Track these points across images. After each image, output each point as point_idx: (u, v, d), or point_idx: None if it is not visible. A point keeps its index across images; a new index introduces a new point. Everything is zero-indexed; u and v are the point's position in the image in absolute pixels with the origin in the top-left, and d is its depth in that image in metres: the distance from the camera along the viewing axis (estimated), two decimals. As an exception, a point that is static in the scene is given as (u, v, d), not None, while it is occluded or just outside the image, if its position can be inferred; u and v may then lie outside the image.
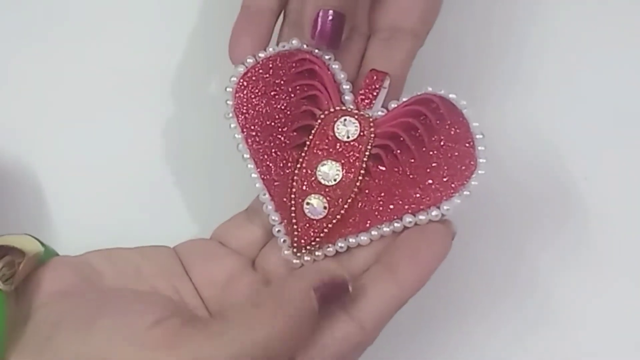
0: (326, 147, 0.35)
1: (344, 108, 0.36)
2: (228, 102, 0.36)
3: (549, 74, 0.46)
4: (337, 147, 0.35)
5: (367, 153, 0.35)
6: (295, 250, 0.35)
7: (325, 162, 0.35)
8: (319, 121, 0.35)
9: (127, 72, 0.45)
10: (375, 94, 0.36)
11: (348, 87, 0.36)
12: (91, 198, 0.43)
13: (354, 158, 0.35)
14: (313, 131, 0.35)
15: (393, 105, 0.36)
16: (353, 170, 0.35)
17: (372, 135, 0.35)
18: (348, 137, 0.35)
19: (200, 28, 0.47)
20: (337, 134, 0.35)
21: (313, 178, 0.35)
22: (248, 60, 0.37)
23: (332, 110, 0.36)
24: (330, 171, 0.35)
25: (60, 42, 0.46)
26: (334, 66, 0.37)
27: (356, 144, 0.35)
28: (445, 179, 0.34)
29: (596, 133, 0.45)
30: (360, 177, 0.35)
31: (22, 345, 0.30)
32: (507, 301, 0.42)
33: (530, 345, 0.42)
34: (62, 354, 0.29)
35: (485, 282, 0.43)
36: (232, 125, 0.36)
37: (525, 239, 0.43)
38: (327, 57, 0.37)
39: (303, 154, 0.35)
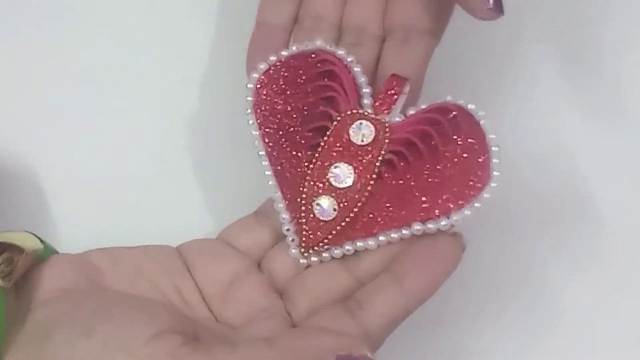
0: (340, 149, 0.35)
1: (361, 112, 0.36)
2: (248, 98, 0.37)
3: (561, 77, 0.46)
4: (351, 150, 0.35)
5: (380, 158, 0.35)
6: (302, 250, 0.35)
7: (338, 164, 0.35)
8: (335, 123, 0.35)
9: (131, 69, 0.45)
10: (394, 98, 0.36)
11: (368, 90, 0.36)
12: (96, 199, 0.43)
13: (366, 162, 0.35)
14: (328, 132, 0.35)
15: (411, 112, 0.36)
16: (365, 174, 0.35)
17: (387, 140, 0.35)
18: (362, 141, 0.35)
19: (211, 24, 0.46)
20: (351, 137, 0.35)
21: (325, 179, 0.35)
22: (271, 58, 0.37)
23: (349, 113, 0.36)
24: (342, 173, 0.35)
25: (61, 40, 0.45)
26: (355, 69, 0.37)
27: (370, 148, 0.35)
28: (456, 190, 0.33)
29: (606, 136, 0.45)
30: (372, 182, 0.35)
31: (20, 343, 0.30)
32: (516, 306, 0.42)
33: (539, 352, 0.41)
34: (55, 356, 0.29)
35: (493, 286, 0.42)
36: (250, 122, 0.36)
37: (534, 243, 0.43)
38: (349, 59, 0.37)
39: (317, 155, 0.35)
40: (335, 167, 0.35)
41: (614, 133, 0.45)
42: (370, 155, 0.35)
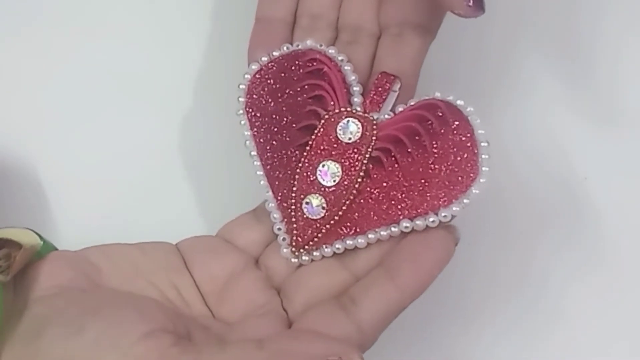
0: (327, 147, 0.35)
1: (348, 109, 0.36)
2: (240, 99, 0.37)
3: (557, 76, 0.46)
4: (338, 148, 0.35)
5: (367, 155, 0.34)
6: (293, 249, 0.35)
7: (325, 162, 0.35)
8: (322, 121, 0.35)
9: (129, 69, 0.45)
10: (383, 97, 0.36)
11: (358, 89, 0.36)
12: (95, 197, 0.43)
13: (354, 160, 0.35)
14: (316, 131, 0.35)
15: (400, 108, 0.35)
16: (352, 171, 0.34)
17: (374, 137, 0.35)
18: (350, 139, 0.35)
19: (207, 25, 0.47)
20: (338, 135, 0.35)
21: (313, 178, 0.35)
22: (262, 58, 0.37)
23: (336, 111, 0.36)
24: (329, 172, 0.35)
25: (61, 38, 0.46)
26: (346, 67, 0.37)
27: (357, 146, 0.35)
28: (445, 186, 0.33)
29: (605, 136, 0.45)
30: (359, 179, 0.34)
31: (15, 339, 0.30)
32: (514, 307, 0.42)
33: (538, 353, 0.41)
34: (48, 353, 0.29)
35: (491, 287, 0.42)
36: (242, 122, 0.37)
37: (533, 244, 0.42)
38: (340, 58, 0.37)
39: (305, 153, 0.35)
40: (323, 166, 0.35)
41: (613, 133, 0.45)
42: (357, 153, 0.35)
